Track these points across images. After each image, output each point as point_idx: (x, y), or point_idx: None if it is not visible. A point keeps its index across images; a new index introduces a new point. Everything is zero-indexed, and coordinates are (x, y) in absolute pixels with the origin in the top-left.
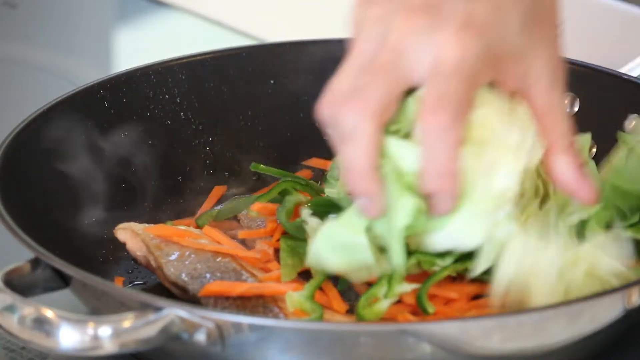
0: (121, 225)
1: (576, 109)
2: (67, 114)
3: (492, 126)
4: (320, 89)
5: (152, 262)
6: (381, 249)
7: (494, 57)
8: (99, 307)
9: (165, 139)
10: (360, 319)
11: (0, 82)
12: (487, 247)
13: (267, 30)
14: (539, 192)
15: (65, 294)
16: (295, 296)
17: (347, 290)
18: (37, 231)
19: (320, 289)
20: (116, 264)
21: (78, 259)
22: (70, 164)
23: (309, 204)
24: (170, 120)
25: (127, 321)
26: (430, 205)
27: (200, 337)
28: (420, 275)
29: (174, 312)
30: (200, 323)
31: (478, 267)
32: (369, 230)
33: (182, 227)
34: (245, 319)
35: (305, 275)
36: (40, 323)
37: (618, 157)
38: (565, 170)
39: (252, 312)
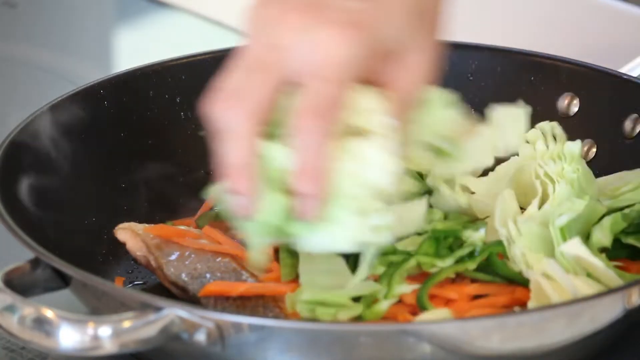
0: (121, 225)
1: (576, 109)
2: (67, 113)
3: (367, 123)
4: None
5: (152, 262)
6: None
7: (375, 54)
8: (99, 307)
9: (165, 139)
10: (360, 319)
11: (0, 82)
12: (367, 251)
13: None
14: (537, 192)
15: (65, 294)
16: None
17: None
18: (37, 231)
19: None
20: (116, 264)
21: (78, 259)
22: (70, 164)
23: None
24: (170, 120)
25: (127, 321)
26: (299, 208)
27: (200, 337)
28: (420, 276)
29: (174, 312)
30: (200, 323)
31: (360, 274)
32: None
33: (182, 227)
34: (245, 319)
35: None
36: (40, 323)
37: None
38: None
39: (252, 312)
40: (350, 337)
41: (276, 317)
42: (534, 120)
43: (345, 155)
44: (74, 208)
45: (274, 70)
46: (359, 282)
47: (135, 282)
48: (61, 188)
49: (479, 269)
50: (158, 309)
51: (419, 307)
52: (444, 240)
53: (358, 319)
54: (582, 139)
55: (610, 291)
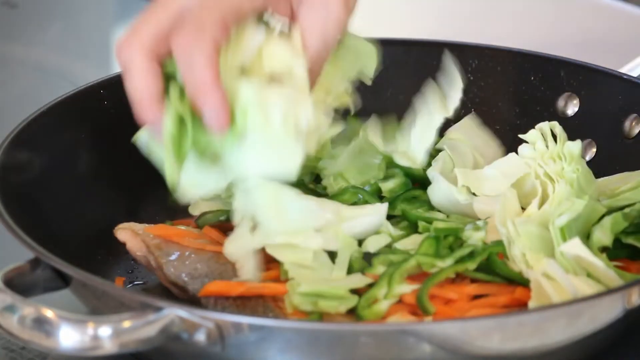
0: (121, 225)
1: (576, 109)
2: (67, 114)
3: (278, 59)
4: None
5: (152, 262)
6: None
7: None
8: (99, 307)
9: None
10: (360, 319)
11: (0, 82)
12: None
13: None
14: (537, 192)
15: (65, 294)
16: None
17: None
18: (37, 231)
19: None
20: (116, 264)
21: (78, 259)
22: (70, 164)
23: None
24: None
25: (127, 321)
26: (206, 120)
27: (200, 337)
28: (420, 276)
29: (174, 312)
30: (200, 323)
31: (338, 267)
32: None
33: (182, 227)
34: (245, 319)
35: None
36: (40, 323)
37: None
38: None
39: (252, 312)
40: (350, 337)
41: (276, 317)
42: (534, 120)
43: (260, 96)
44: (74, 208)
45: (161, 6)
46: (351, 276)
47: (135, 282)
48: (61, 188)
49: (479, 269)
50: (158, 309)
51: (419, 307)
52: (444, 240)
53: (358, 318)
54: (582, 139)
55: (610, 291)
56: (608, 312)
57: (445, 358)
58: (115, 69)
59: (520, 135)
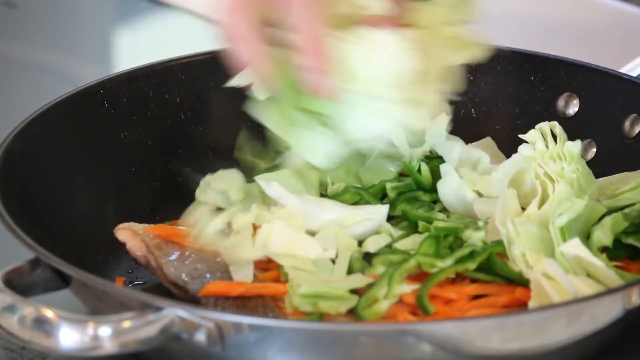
0: (121, 225)
1: (576, 109)
2: (67, 114)
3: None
4: None
5: (152, 262)
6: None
7: None
8: (99, 307)
9: (165, 139)
10: (360, 319)
11: (0, 82)
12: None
13: None
14: (537, 192)
15: (65, 294)
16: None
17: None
18: (37, 231)
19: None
20: (116, 264)
21: (78, 259)
22: (70, 164)
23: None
24: (170, 120)
25: (127, 321)
26: (310, 83)
27: (200, 337)
28: (420, 276)
29: (174, 312)
30: (200, 323)
31: (338, 268)
32: None
33: (182, 227)
34: (245, 319)
35: None
36: (40, 323)
37: None
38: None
39: (252, 312)
40: (350, 337)
41: (276, 317)
42: (534, 120)
43: (356, 41)
44: (74, 208)
45: None
46: (351, 276)
47: (135, 282)
48: (61, 188)
49: (479, 269)
50: (158, 309)
51: (419, 308)
52: (444, 240)
53: (358, 318)
54: (582, 139)
55: (610, 291)
56: (608, 312)
57: (445, 358)
58: (115, 69)
59: (520, 135)
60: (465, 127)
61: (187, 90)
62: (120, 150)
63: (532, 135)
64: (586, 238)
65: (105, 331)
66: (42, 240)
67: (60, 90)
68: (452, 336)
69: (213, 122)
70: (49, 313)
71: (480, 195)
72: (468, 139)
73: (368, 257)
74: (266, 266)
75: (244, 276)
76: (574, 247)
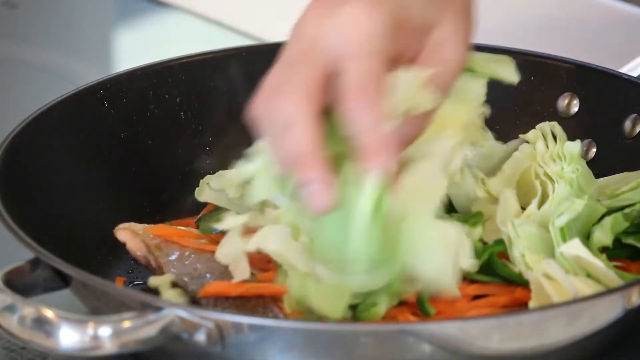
0: (121, 226)
1: (576, 109)
2: (67, 114)
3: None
4: None
5: (152, 262)
6: None
7: (402, 26)
8: (99, 307)
9: (165, 139)
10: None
11: (0, 82)
12: None
13: (267, 30)
14: (537, 192)
15: (65, 294)
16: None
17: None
18: (37, 231)
19: None
20: (116, 264)
21: (78, 259)
22: (70, 164)
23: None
24: (170, 120)
25: (127, 321)
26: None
27: (200, 337)
28: None
29: (174, 312)
30: (200, 323)
31: None
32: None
33: (182, 227)
34: (245, 319)
35: None
36: (40, 323)
37: None
38: None
39: (252, 312)
40: (350, 337)
41: (276, 317)
42: (534, 120)
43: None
44: (74, 208)
45: (312, 59)
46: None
47: (135, 282)
48: (61, 188)
49: (479, 269)
50: (158, 309)
51: (419, 309)
52: None
53: (357, 321)
54: (582, 139)
55: (610, 291)
56: (608, 312)
57: (445, 358)
58: (115, 69)
59: (520, 135)
60: None
61: (187, 90)
62: (120, 150)
63: (532, 135)
64: (586, 238)
65: (105, 331)
66: (42, 240)
67: (60, 90)
68: (452, 336)
69: (213, 122)
70: (49, 313)
71: (490, 195)
72: None
73: None
74: (266, 266)
75: (241, 271)
76: (574, 247)
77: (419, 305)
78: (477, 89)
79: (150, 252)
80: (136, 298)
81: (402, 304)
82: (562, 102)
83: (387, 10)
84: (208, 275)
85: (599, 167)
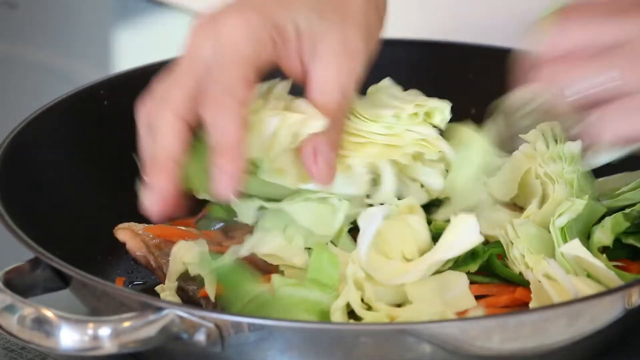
0: (121, 225)
1: None
2: (67, 114)
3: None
4: None
5: (152, 262)
6: None
7: (283, 38)
8: (99, 307)
9: None
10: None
11: (0, 82)
12: None
13: None
14: (537, 192)
15: (65, 294)
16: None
17: None
18: (37, 231)
19: None
20: (116, 264)
21: (78, 259)
22: (70, 164)
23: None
24: None
25: (127, 321)
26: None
27: (200, 337)
28: None
29: (174, 312)
30: (200, 323)
31: None
32: None
33: (182, 227)
34: (245, 319)
35: None
36: (40, 323)
37: None
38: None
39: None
40: (350, 337)
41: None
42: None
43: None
44: (74, 208)
45: (187, 72)
46: None
47: (135, 282)
48: (61, 188)
49: (478, 270)
50: (158, 309)
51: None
52: None
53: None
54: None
55: (610, 291)
56: (608, 312)
57: (445, 358)
58: (115, 69)
59: (521, 135)
60: None
61: None
62: (120, 150)
63: (532, 135)
64: (586, 238)
65: (105, 331)
66: (42, 240)
67: (60, 90)
68: (452, 336)
69: None
70: (48, 313)
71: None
72: None
73: None
74: (266, 267)
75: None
76: (574, 248)
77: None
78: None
79: (150, 252)
80: (136, 298)
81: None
82: None
83: (267, 21)
84: None
85: (599, 167)
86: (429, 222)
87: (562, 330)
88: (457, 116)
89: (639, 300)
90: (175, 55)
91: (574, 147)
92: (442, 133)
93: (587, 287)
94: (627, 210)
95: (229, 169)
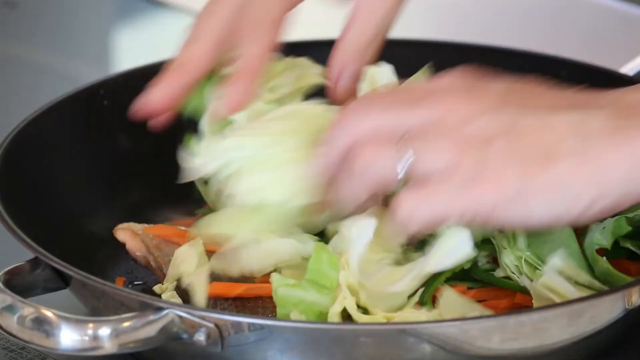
0: (121, 226)
1: None
2: (67, 113)
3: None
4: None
5: (152, 262)
6: None
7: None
8: (99, 307)
9: (165, 139)
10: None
11: (0, 82)
12: None
13: None
14: None
15: (65, 294)
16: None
17: None
18: (37, 231)
19: None
20: (116, 264)
21: (78, 259)
22: (70, 164)
23: None
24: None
25: (127, 321)
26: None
27: (200, 337)
28: None
29: (174, 312)
30: (200, 323)
31: None
32: None
33: (182, 227)
34: (245, 319)
35: None
36: (40, 323)
37: None
38: None
39: (252, 312)
40: (350, 337)
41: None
42: None
43: None
44: (74, 208)
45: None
46: None
47: (135, 282)
48: (61, 188)
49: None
50: (158, 309)
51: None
52: None
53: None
54: None
55: (610, 291)
56: (608, 312)
57: (445, 358)
58: (115, 69)
59: None
60: None
61: None
62: (120, 150)
63: None
64: (583, 237)
65: (105, 331)
66: (42, 240)
67: (60, 90)
68: (452, 336)
69: None
70: (48, 313)
71: None
72: None
73: None
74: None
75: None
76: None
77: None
78: None
79: (150, 252)
80: (136, 298)
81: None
82: None
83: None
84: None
85: None
86: None
87: (562, 330)
88: None
89: (639, 300)
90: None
91: None
92: None
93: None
94: (630, 215)
95: (241, 85)
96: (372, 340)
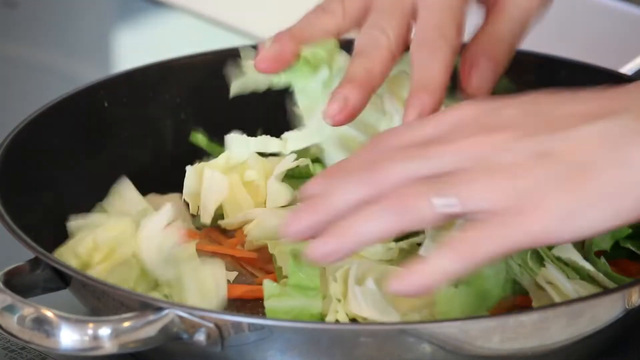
0: None
1: None
2: (67, 113)
3: None
4: None
5: None
6: None
7: None
8: (99, 307)
9: (165, 139)
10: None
11: (0, 82)
12: None
13: (267, 30)
14: None
15: (65, 294)
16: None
17: None
18: (37, 231)
19: None
20: None
21: None
22: (70, 164)
23: None
24: (170, 120)
25: (127, 321)
26: None
27: (200, 337)
28: None
29: (174, 312)
30: (200, 323)
31: None
32: None
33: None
34: (245, 319)
35: None
36: (40, 323)
37: None
38: None
39: (252, 312)
40: (350, 337)
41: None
42: None
43: None
44: (74, 208)
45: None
46: None
47: None
48: (61, 188)
49: None
50: (158, 309)
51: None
52: None
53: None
54: None
55: (610, 291)
56: (608, 312)
57: (445, 358)
58: (115, 69)
59: None
60: None
61: (187, 90)
62: (120, 150)
63: None
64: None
65: (105, 331)
66: (42, 240)
67: (60, 90)
68: (452, 336)
69: (213, 123)
70: (48, 313)
71: None
72: None
73: None
74: (266, 267)
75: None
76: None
77: None
78: None
79: None
80: (136, 298)
81: None
82: None
83: None
84: None
85: None
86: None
87: (562, 330)
88: None
89: (639, 300)
90: (175, 55)
91: None
92: None
93: (587, 291)
94: None
95: (428, 102)
96: (372, 340)
